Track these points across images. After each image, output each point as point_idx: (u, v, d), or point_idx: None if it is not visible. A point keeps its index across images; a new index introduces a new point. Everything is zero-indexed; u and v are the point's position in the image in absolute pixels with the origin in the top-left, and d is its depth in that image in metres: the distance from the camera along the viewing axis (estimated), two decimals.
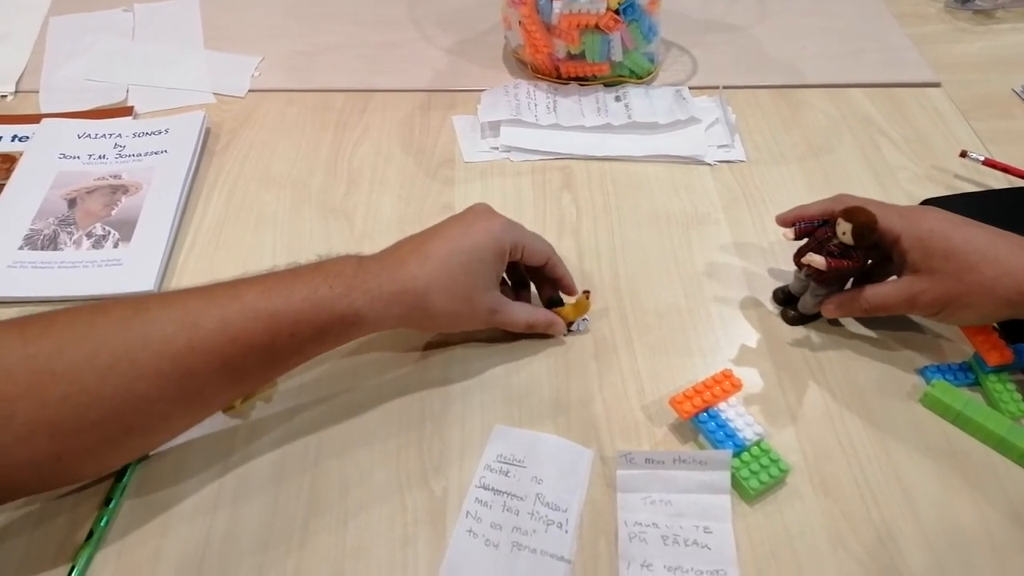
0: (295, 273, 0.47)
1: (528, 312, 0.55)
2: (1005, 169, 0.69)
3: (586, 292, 0.57)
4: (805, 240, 0.55)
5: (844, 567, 0.45)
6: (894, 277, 0.55)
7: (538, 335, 0.56)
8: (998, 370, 0.53)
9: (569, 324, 0.57)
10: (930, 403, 0.53)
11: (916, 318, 0.58)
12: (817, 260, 0.52)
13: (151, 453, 0.49)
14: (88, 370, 0.41)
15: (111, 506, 0.46)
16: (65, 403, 0.41)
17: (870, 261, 0.54)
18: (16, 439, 0.40)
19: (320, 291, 0.46)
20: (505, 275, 0.56)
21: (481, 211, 0.53)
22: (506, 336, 0.56)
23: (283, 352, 0.46)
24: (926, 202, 0.65)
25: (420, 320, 0.51)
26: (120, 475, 0.48)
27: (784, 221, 0.56)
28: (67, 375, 0.41)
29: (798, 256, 0.55)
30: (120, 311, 0.44)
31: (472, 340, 0.56)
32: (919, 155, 0.73)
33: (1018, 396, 0.52)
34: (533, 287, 0.58)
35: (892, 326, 0.58)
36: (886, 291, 0.53)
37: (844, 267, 0.52)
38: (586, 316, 0.57)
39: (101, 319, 0.43)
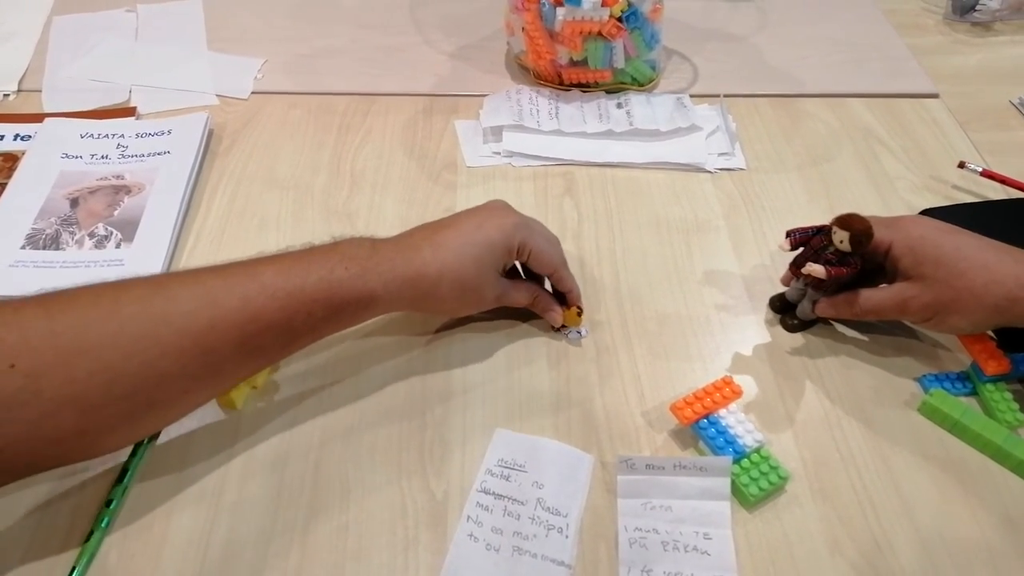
0: (310, 253, 0.49)
1: (532, 291, 0.57)
2: (1003, 180, 0.70)
3: (579, 308, 0.57)
4: (801, 249, 0.56)
5: (842, 573, 0.45)
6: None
7: (548, 329, 0.58)
8: (995, 379, 0.53)
9: (561, 326, 0.58)
10: (928, 411, 0.53)
11: (914, 327, 0.58)
12: (817, 270, 0.53)
13: (155, 444, 0.50)
14: (113, 347, 0.42)
15: (111, 507, 0.47)
16: (91, 379, 0.41)
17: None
18: (43, 414, 0.40)
19: (336, 272, 0.47)
20: (518, 263, 0.57)
21: (497, 207, 0.55)
22: (507, 339, 0.57)
23: (299, 330, 0.47)
24: (925, 212, 0.66)
25: (430, 305, 0.54)
26: (121, 475, 0.48)
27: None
28: (92, 352, 0.41)
29: (795, 265, 0.55)
30: (140, 289, 0.45)
31: (473, 344, 0.56)
32: (917, 165, 0.73)
33: (1015, 405, 0.53)
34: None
35: (890, 334, 0.58)
36: (879, 296, 0.54)
37: (843, 274, 0.53)
38: (579, 329, 0.58)
39: (124, 296, 0.44)
